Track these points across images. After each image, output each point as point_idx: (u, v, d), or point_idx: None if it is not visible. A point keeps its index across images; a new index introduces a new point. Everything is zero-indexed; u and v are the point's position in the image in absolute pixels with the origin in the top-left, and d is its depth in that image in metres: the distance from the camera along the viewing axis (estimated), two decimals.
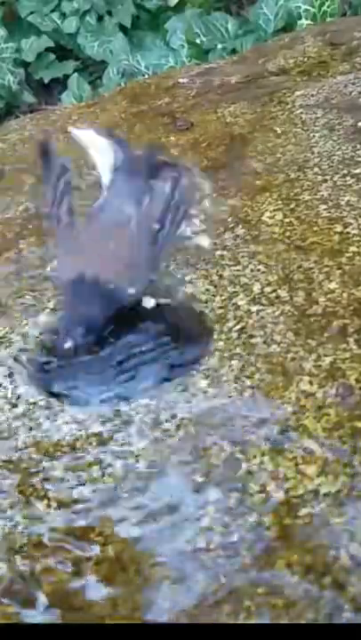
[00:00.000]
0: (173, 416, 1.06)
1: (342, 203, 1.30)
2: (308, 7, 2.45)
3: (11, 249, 1.38)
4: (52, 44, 2.76)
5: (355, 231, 1.24)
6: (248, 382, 1.08)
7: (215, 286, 1.21)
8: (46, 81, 2.78)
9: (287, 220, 1.30)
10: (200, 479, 1.00)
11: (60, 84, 2.77)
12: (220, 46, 2.49)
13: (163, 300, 1.18)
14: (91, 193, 1.25)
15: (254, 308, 1.17)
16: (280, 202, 1.34)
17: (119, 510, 0.99)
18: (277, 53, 1.79)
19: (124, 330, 1.19)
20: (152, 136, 1.60)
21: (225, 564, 0.93)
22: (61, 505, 1.01)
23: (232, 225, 1.31)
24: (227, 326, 1.15)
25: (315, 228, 1.27)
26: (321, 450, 0.99)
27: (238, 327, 1.15)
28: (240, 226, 1.30)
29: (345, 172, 1.37)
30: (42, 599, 0.95)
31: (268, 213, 1.32)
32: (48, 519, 1.01)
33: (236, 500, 0.97)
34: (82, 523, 1.00)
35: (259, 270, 1.22)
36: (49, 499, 1.02)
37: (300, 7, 2.46)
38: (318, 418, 1.02)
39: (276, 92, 1.64)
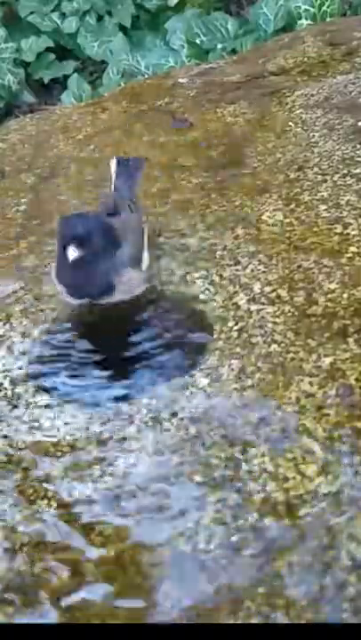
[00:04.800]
0: (174, 415, 1.06)
1: (342, 203, 1.30)
2: (308, 7, 2.44)
3: (11, 249, 1.38)
4: (52, 44, 2.76)
5: (355, 231, 1.24)
6: (248, 382, 1.08)
7: (215, 286, 1.21)
8: (46, 81, 2.78)
9: (287, 220, 1.30)
10: (200, 479, 1.00)
11: (60, 84, 2.77)
12: (220, 46, 2.48)
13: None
14: None
15: (254, 308, 1.16)
16: (280, 202, 1.34)
17: (119, 510, 0.99)
18: (277, 53, 1.79)
19: (124, 330, 1.19)
20: (152, 136, 1.60)
21: (225, 563, 0.93)
22: (61, 505, 1.01)
23: (232, 225, 1.31)
24: (227, 326, 1.15)
25: (315, 229, 1.27)
26: (321, 450, 0.99)
27: (238, 327, 1.15)
28: (240, 226, 1.30)
29: (345, 171, 1.37)
30: (42, 599, 0.95)
31: (268, 213, 1.32)
32: (48, 519, 1.01)
33: (236, 500, 0.97)
34: (82, 523, 1.00)
35: (259, 270, 1.22)
36: (49, 499, 1.02)
37: (300, 7, 2.45)
38: (318, 418, 1.02)
39: (276, 92, 1.64)
